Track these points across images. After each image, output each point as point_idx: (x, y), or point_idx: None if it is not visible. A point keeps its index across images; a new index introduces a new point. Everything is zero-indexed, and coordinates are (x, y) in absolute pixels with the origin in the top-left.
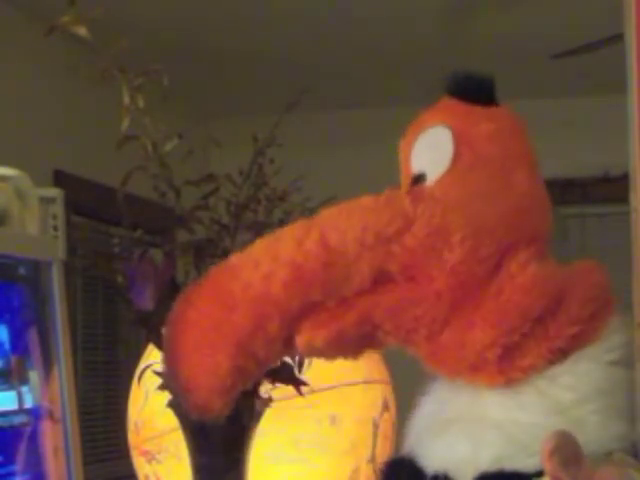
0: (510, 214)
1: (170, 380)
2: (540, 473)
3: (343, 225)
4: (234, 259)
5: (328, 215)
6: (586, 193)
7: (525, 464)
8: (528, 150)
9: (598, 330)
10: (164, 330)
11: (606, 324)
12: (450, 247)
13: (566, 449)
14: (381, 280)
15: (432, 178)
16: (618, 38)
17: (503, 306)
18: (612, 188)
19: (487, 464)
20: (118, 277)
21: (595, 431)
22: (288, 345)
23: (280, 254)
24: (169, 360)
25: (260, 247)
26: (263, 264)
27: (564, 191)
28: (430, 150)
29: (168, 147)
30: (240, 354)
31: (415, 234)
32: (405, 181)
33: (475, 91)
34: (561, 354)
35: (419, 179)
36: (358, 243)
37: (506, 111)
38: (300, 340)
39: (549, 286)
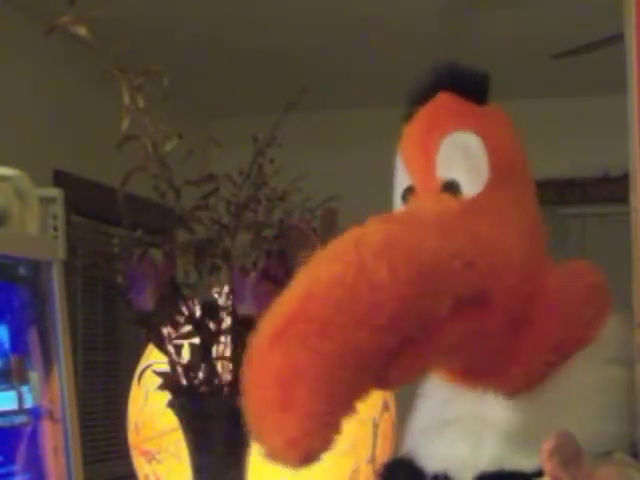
0: (539, 219)
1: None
2: (539, 473)
3: (428, 250)
4: (318, 293)
5: (405, 235)
6: (586, 193)
7: (524, 464)
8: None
9: (596, 330)
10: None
11: (603, 324)
12: (509, 267)
13: (566, 449)
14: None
15: (469, 189)
16: (618, 38)
17: (545, 325)
18: (612, 188)
19: (487, 464)
20: (118, 277)
21: (592, 431)
22: (377, 382)
23: (379, 284)
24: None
25: (343, 270)
26: (362, 295)
27: (564, 191)
28: (461, 158)
29: (168, 147)
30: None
31: (485, 257)
32: (425, 186)
33: (476, 87)
34: (567, 356)
35: (451, 188)
36: (446, 271)
37: (501, 109)
38: (395, 379)
39: (570, 295)
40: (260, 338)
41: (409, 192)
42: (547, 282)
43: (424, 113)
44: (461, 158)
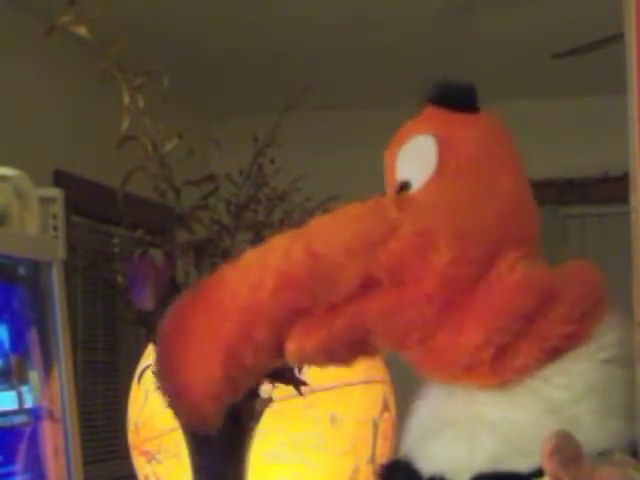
0: (496, 217)
1: (163, 384)
2: (535, 473)
3: (330, 233)
4: (226, 270)
5: (316, 224)
6: (586, 193)
7: (520, 464)
8: (512, 154)
9: (591, 329)
10: (157, 335)
11: (599, 323)
12: (436, 249)
13: (566, 449)
14: (370, 286)
15: (417, 185)
16: (618, 38)
17: (493, 306)
18: (612, 188)
19: (483, 465)
20: (118, 277)
21: (590, 430)
22: (278, 353)
23: (268, 263)
24: (162, 366)
25: (250, 257)
26: (252, 274)
27: (564, 191)
28: (414, 158)
29: (168, 147)
30: (230, 362)
31: (399, 238)
32: (390, 190)
33: (457, 99)
34: (554, 353)
35: (404, 187)
36: (344, 250)
37: (489, 117)
38: (290, 347)
39: (539, 285)
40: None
41: None
42: (512, 269)
43: (401, 127)
44: (412, 158)
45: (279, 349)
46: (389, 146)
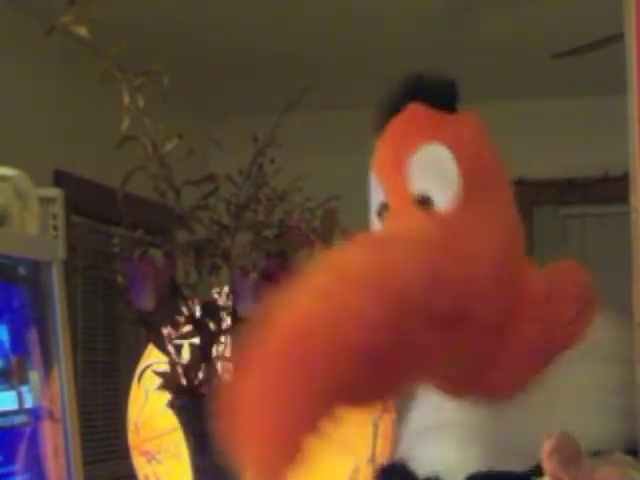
0: (517, 224)
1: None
2: (529, 474)
3: (404, 272)
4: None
5: (378, 262)
6: (586, 193)
7: (515, 466)
8: (496, 151)
9: (585, 328)
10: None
11: (591, 323)
12: (487, 278)
13: (566, 449)
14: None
15: (441, 201)
16: (618, 38)
17: (528, 330)
18: (612, 188)
19: (477, 467)
20: (118, 277)
21: (587, 430)
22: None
23: (357, 308)
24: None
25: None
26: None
27: (564, 191)
28: (433, 171)
29: (168, 147)
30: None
31: (460, 269)
32: (399, 202)
33: (444, 96)
34: (554, 356)
35: (425, 202)
36: (425, 290)
37: (474, 115)
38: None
39: (550, 294)
40: (242, 366)
41: (384, 209)
42: (528, 285)
43: (394, 128)
44: (431, 171)
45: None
46: (382, 152)
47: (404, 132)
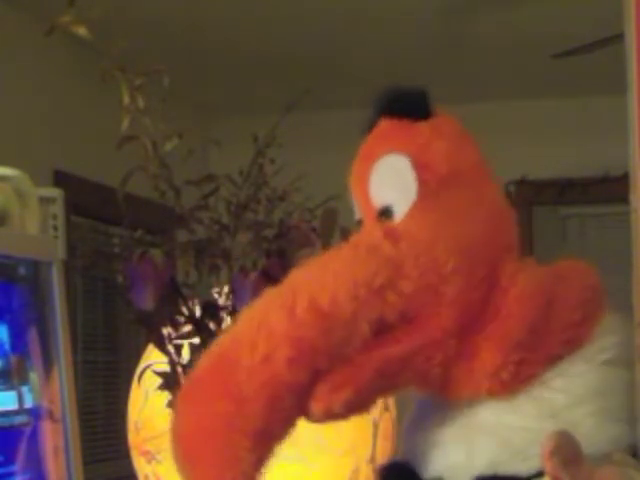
0: (490, 227)
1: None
2: (534, 477)
3: (331, 285)
4: (224, 346)
5: (310, 276)
6: (586, 193)
7: (519, 468)
8: (481, 155)
9: (591, 331)
10: (171, 436)
11: (598, 325)
12: (444, 280)
13: (566, 449)
14: (380, 329)
15: (400, 211)
16: (618, 38)
17: (504, 324)
18: (612, 188)
19: (481, 469)
20: (118, 277)
21: (590, 433)
22: (305, 413)
23: (274, 330)
24: (182, 466)
25: (249, 325)
26: (259, 345)
27: (564, 191)
28: (391, 182)
29: (168, 147)
30: (260, 442)
31: (409, 277)
32: (367, 217)
33: (413, 106)
34: (558, 359)
35: (385, 213)
36: (351, 300)
37: (447, 119)
38: (316, 408)
39: (541, 292)
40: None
41: (359, 225)
42: (514, 281)
43: (363, 145)
44: (389, 181)
45: (304, 412)
46: (354, 171)
47: (369, 147)
